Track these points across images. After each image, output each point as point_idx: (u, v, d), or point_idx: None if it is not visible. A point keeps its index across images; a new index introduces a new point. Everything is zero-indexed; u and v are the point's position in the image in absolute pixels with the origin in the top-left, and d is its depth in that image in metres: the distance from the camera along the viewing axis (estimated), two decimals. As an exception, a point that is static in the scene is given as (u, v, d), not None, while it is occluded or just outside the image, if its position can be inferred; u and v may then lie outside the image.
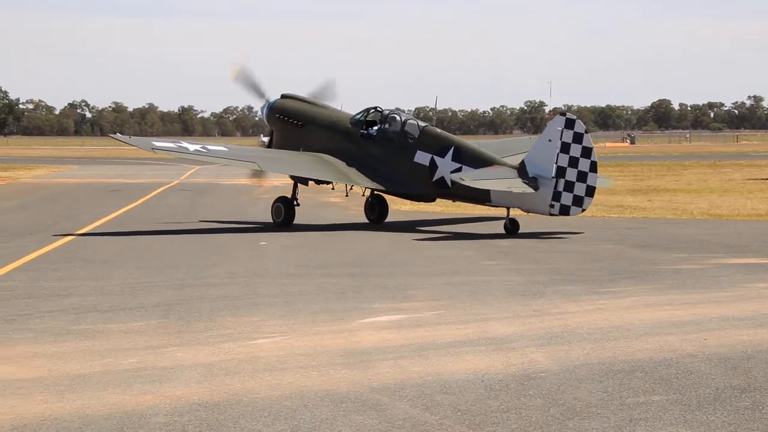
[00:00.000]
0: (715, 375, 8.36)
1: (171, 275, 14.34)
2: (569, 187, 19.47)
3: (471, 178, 20.35)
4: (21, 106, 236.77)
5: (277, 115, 24.26)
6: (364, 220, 24.01)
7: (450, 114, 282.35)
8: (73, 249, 17.70)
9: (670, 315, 11.24)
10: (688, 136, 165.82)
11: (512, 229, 20.38)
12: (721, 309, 11.61)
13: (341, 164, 22.67)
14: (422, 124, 22.56)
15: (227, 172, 47.90)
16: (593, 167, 19.40)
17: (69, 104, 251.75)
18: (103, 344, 9.55)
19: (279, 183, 32.32)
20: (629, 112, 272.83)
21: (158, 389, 7.87)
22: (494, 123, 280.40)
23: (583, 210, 19.84)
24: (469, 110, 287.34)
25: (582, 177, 19.37)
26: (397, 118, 22.58)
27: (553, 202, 19.57)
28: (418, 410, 7.33)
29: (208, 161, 23.36)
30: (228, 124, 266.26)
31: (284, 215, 22.40)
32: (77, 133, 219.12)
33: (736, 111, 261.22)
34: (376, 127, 22.79)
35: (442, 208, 26.69)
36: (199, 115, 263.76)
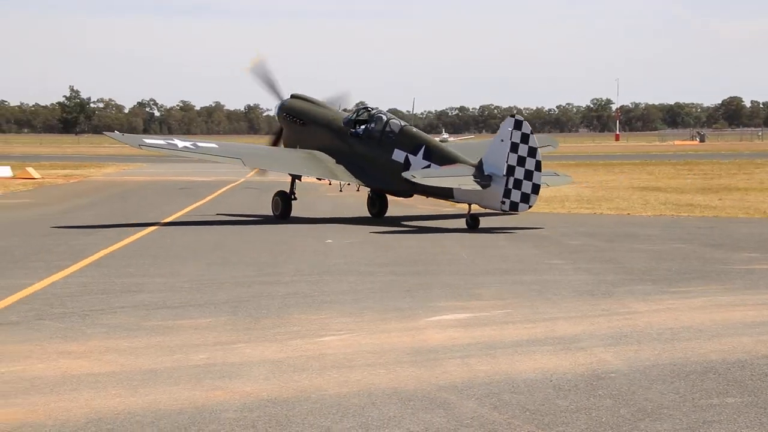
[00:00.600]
0: (791, 377, 8.18)
1: (239, 272, 14.48)
2: (518, 185, 20.59)
3: (421, 175, 21.86)
4: (92, 105, 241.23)
5: (285, 114, 25.88)
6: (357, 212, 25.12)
7: (515, 112, 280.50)
8: (143, 246, 17.97)
9: (742, 316, 11.04)
10: (760, 134, 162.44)
11: (473, 224, 21.30)
12: (795, 310, 11.35)
13: (330, 161, 24.08)
14: (402, 123, 23.77)
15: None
16: (538, 166, 20.48)
17: (138, 103, 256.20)
18: (174, 340, 9.69)
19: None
20: (699, 110, 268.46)
21: (228, 385, 7.96)
22: (560, 121, 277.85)
23: (530, 206, 20.78)
24: (534, 108, 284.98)
25: (528, 175, 20.47)
26: (382, 117, 23.90)
27: (504, 199, 20.70)
28: (486, 409, 7.30)
29: (196, 157, 24.36)
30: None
31: (282, 208, 23.95)
32: (146, 131, 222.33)
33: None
34: (363, 126, 24.15)
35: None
36: (264, 114, 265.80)
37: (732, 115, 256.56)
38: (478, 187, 20.85)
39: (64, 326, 10.30)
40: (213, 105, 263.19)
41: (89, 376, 8.19)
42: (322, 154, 24.31)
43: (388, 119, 23.79)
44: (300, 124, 25.38)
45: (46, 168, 53.22)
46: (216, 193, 33.81)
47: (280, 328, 10.34)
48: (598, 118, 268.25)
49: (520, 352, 9.21)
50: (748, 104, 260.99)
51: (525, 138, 20.59)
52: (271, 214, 24.11)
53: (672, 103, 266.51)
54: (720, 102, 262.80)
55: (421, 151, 22.68)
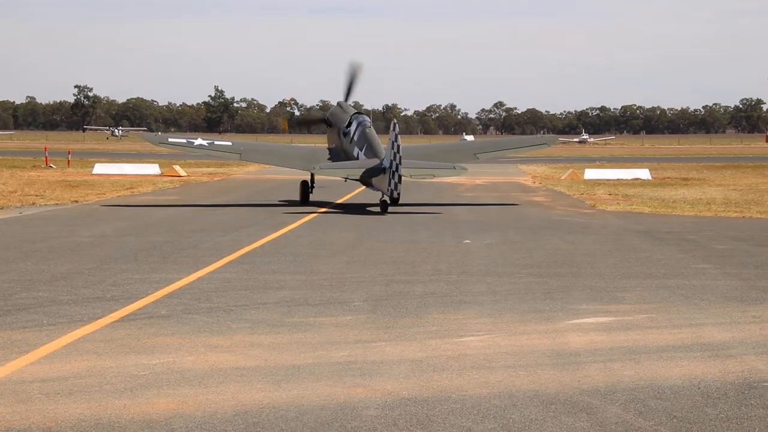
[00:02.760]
0: None
1: (378, 271, 14.60)
2: (393, 175, 25.48)
3: (319, 167, 27.77)
4: (235, 105, 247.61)
5: (327, 118, 31.21)
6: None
7: (658, 112, 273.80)
8: (283, 243, 18.34)
9: None
10: None
11: (383, 208, 25.72)
12: None
13: (324, 156, 29.53)
14: (368, 125, 28.51)
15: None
16: (400, 161, 25.50)
17: (279, 102, 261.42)
18: (315, 336, 9.84)
19: (481, 181, 32.18)
20: None
21: (369, 383, 8.03)
22: (705, 122, 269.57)
23: (399, 193, 25.87)
24: (679, 108, 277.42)
25: (398, 168, 25.48)
26: (358, 119, 28.87)
27: (389, 187, 25.55)
28: (631, 415, 7.14)
29: (205, 153, 30.73)
30: (430, 122, 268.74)
31: (301, 194, 28.87)
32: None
33: None
34: (348, 128, 29.00)
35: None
36: (402, 113, 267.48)
37: None
38: (357, 177, 26.86)
39: (210, 320, 10.60)
40: (352, 104, 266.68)
41: (235, 370, 8.40)
42: (323, 150, 30.26)
43: (361, 120, 28.77)
44: (329, 125, 30.80)
45: (192, 166, 54.95)
46: (354, 192, 34.11)
47: (419, 327, 10.37)
48: (747, 119, 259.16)
49: (666, 357, 8.97)
50: None
51: (397, 138, 25.53)
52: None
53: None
54: None
55: (363, 149, 27.87)
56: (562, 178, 45.85)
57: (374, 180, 26.23)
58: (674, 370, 8.47)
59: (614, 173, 46.95)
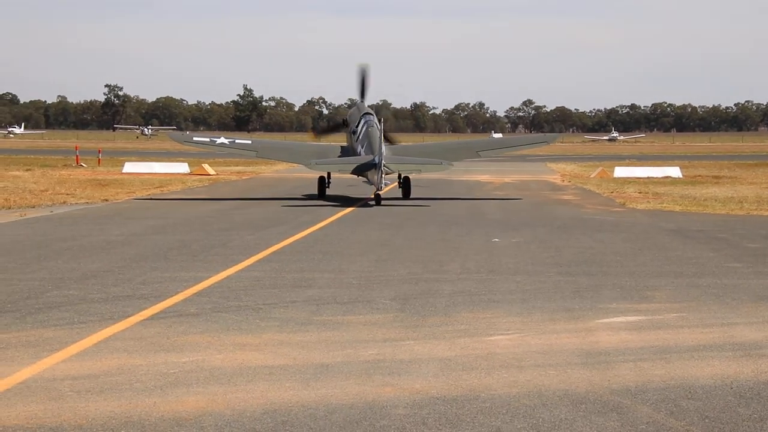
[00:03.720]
0: None
1: (406, 269, 14.58)
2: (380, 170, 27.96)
3: (315, 163, 30.20)
4: (264, 104, 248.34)
5: (345, 119, 33.71)
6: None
7: (689, 110, 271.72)
8: (312, 242, 18.36)
9: None
10: None
11: (377, 200, 27.93)
12: None
13: (334, 153, 31.78)
14: (371, 124, 30.49)
15: (460, 168, 48.23)
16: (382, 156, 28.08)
17: (307, 101, 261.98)
18: (344, 335, 9.84)
19: (510, 180, 32.08)
20: None
21: (397, 381, 8.01)
22: (738, 119, 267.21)
23: (385, 184, 28.24)
24: (711, 106, 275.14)
25: (380, 163, 27.95)
26: (366, 119, 31.01)
27: (380, 184, 27.91)
28: (662, 415, 7.08)
29: (225, 151, 32.93)
30: (459, 120, 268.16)
31: (318, 189, 30.99)
32: (314, 129, 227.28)
33: None
34: (357, 126, 31.23)
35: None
36: (431, 112, 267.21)
37: None
38: (349, 173, 29.32)
39: (239, 319, 10.63)
40: (380, 103, 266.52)
41: (264, 369, 8.42)
42: (332, 148, 32.77)
43: (367, 120, 30.87)
44: (344, 125, 33.54)
45: (220, 165, 55.17)
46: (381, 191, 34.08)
47: (447, 326, 10.34)
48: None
49: (697, 357, 8.89)
50: None
51: (381, 133, 28.70)
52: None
53: None
54: None
55: (365, 146, 30.07)
56: (592, 176, 45.62)
57: (368, 174, 28.56)
58: (706, 370, 8.40)
59: (644, 171, 46.66)
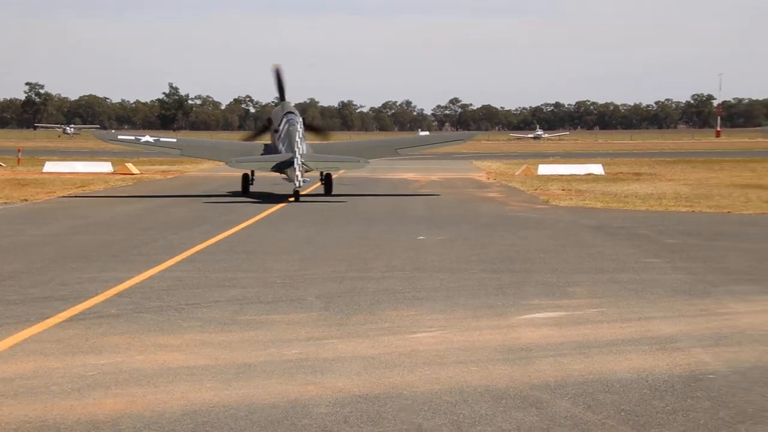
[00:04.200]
0: None
1: (331, 268, 14.57)
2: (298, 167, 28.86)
3: (235, 161, 30.84)
4: (190, 102, 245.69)
5: (269, 118, 33.91)
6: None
7: (612, 108, 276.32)
8: (236, 241, 18.23)
9: None
10: None
11: (295, 197, 28.80)
12: None
13: (258, 151, 32.27)
14: (292, 123, 31.14)
15: (386, 166, 48.33)
16: (298, 154, 29.06)
17: (234, 100, 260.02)
18: (267, 334, 9.79)
19: (436, 178, 32.30)
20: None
21: (320, 380, 8.00)
22: (658, 117, 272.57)
23: (305, 182, 29.09)
24: (632, 104, 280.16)
25: (297, 160, 28.90)
26: (288, 118, 31.56)
27: (299, 180, 28.70)
28: (579, 409, 7.19)
29: (151, 149, 33.40)
30: (386, 119, 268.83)
31: (242, 186, 31.52)
32: (240, 128, 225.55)
33: None
34: (280, 125, 31.90)
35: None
36: (358, 110, 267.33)
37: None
38: (268, 169, 30.25)
39: (161, 319, 10.51)
40: (307, 101, 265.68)
41: (185, 369, 8.33)
42: (253, 146, 33.34)
43: (290, 119, 31.48)
44: (269, 123, 33.78)
45: (145, 164, 54.44)
46: (308, 189, 34.03)
47: (371, 324, 10.36)
48: (698, 114, 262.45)
49: (615, 351, 9.05)
50: None
51: (300, 132, 29.95)
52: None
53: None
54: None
55: (285, 145, 30.65)
56: (516, 173, 46.10)
57: (287, 171, 29.26)
58: (623, 364, 8.55)
59: (568, 169, 47.30)
